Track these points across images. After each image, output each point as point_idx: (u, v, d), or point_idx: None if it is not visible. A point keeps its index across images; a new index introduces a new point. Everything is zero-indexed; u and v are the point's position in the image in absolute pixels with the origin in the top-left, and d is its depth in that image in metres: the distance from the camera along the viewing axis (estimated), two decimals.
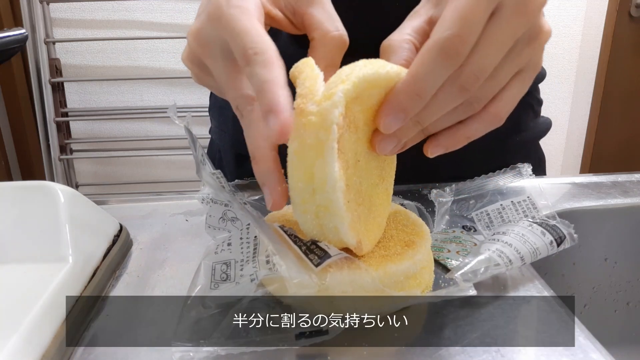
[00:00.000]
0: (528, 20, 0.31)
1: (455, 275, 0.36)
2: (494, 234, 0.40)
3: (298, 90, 0.30)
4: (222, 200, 0.39)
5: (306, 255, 0.33)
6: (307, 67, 0.32)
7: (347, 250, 0.35)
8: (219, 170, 0.39)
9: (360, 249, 0.34)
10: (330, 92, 0.29)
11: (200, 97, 1.73)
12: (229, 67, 0.33)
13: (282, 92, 0.29)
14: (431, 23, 0.34)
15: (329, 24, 0.34)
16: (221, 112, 0.66)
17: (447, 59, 0.29)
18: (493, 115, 0.33)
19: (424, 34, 0.34)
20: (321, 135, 0.29)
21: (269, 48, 0.30)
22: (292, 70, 0.32)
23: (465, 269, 0.37)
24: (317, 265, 0.33)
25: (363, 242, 0.34)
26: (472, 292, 0.34)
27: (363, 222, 0.34)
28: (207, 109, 0.71)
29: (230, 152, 0.65)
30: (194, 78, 0.37)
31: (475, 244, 0.43)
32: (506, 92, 0.33)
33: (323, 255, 0.33)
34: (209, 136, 0.71)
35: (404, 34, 0.34)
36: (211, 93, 0.70)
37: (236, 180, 0.49)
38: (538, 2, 0.31)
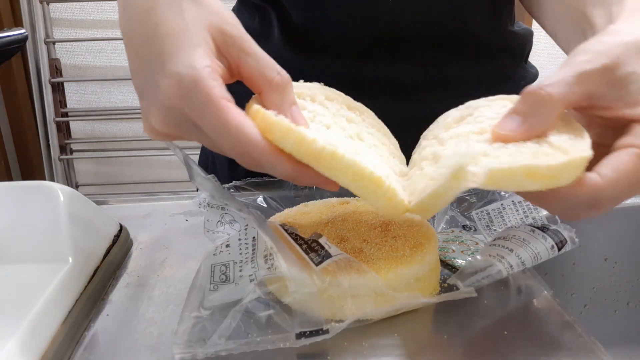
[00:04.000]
0: None
1: (457, 282, 0.36)
2: (495, 239, 0.40)
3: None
4: (219, 204, 0.39)
5: (307, 253, 0.33)
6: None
7: (350, 252, 0.35)
8: (212, 175, 0.38)
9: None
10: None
11: None
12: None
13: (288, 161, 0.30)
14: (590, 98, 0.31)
15: (268, 71, 0.32)
16: None
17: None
18: None
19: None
20: None
21: (251, 140, 0.29)
22: None
23: (467, 274, 0.37)
24: (317, 264, 0.33)
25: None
26: (473, 293, 0.34)
27: None
28: None
29: (223, 156, 0.64)
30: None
31: (477, 243, 0.43)
32: None
33: (324, 254, 0.33)
34: None
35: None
36: None
37: (233, 182, 0.49)
38: None
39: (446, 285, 0.38)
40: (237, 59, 0.32)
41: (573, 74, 0.30)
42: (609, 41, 0.31)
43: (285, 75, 0.33)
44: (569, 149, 0.28)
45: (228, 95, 0.29)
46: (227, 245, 0.37)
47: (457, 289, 0.36)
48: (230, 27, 0.32)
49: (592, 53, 0.30)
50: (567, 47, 0.45)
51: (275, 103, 0.32)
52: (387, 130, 0.41)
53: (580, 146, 0.29)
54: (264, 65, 0.32)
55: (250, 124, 0.29)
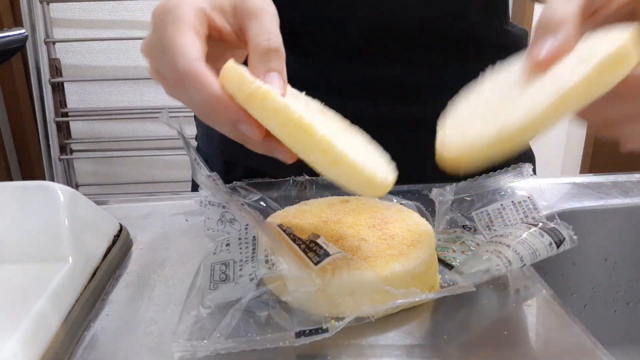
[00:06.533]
0: None
1: (456, 277, 0.37)
2: (492, 237, 0.40)
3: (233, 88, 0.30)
4: (220, 202, 0.39)
5: (305, 253, 0.34)
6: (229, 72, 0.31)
7: (348, 251, 0.35)
8: (215, 173, 0.38)
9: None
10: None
11: None
12: None
13: (232, 104, 0.30)
14: None
15: (260, 36, 0.33)
16: None
17: None
18: None
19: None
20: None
21: (198, 66, 0.31)
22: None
23: (465, 270, 0.37)
24: (316, 264, 0.33)
25: None
26: (472, 288, 0.34)
27: None
28: None
29: (218, 159, 0.64)
30: (165, 91, 0.37)
31: (479, 244, 0.43)
32: None
33: (322, 253, 0.33)
34: None
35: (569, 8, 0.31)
36: None
37: (235, 182, 0.49)
38: None
39: (446, 285, 0.38)
40: (243, 22, 0.34)
41: None
42: None
43: (273, 42, 0.33)
44: (618, 31, 0.29)
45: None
46: (227, 244, 0.37)
47: (456, 283, 0.36)
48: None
49: None
50: None
51: (253, 65, 0.33)
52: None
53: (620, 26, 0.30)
54: (260, 31, 0.33)
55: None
